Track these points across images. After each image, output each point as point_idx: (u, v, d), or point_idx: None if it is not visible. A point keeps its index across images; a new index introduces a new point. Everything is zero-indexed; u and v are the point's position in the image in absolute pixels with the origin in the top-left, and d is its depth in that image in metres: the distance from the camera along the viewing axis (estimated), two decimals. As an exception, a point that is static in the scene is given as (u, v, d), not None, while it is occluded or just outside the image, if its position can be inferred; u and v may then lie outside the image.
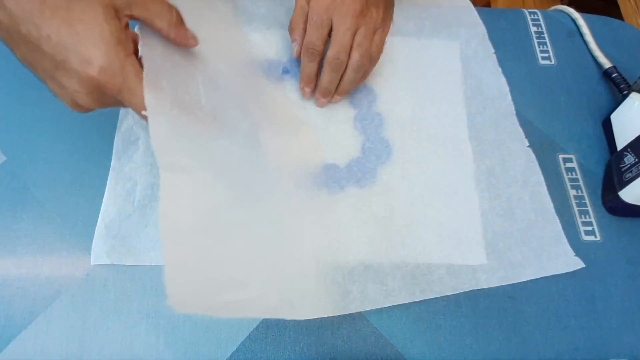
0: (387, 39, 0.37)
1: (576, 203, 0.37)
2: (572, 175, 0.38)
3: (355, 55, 0.35)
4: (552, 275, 0.34)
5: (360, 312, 0.32)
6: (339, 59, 0.35)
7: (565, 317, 0.33)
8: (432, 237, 0.34)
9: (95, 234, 0.33)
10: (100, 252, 0.33)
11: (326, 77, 0.36)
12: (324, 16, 0.35)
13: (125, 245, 0.33)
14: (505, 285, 0.33)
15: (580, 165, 0.38)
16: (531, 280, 0.34)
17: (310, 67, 0.37)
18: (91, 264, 0.33)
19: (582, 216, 0.36)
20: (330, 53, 0.35)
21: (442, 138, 0.38)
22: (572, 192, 0.37)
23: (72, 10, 0.23)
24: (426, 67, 0.41)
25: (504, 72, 0.42)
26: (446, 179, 0.36)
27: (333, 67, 0.36)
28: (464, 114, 0.39)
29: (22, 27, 0.23)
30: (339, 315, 0.31)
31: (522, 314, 0.33)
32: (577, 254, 0.35)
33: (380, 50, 0.37)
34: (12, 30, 0.23)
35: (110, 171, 0.35)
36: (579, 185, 0.38)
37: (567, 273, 0.34)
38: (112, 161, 0.36)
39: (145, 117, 0.25)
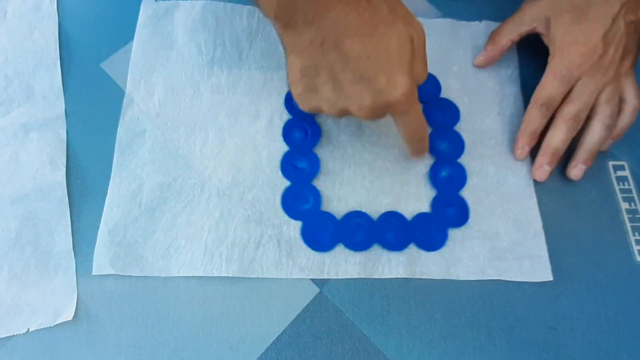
0: None
1: (629, 218, 0.37)
2: (624, 185, 0.38)
3: (606, 109, 0.37)
4: (600, 304, 0.34)
5: (376, 347, 0.32)
6: (580, 117, 0.37)
7: (616, 352, 0.33)
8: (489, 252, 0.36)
9: (98, 240, 0.34)
10: (103, 261, 0.34)
11: (560, 135, 0.37)
12: (575, 72, 0.37)
13: (131, 254, 0.34)
14: (545, 314, 0.34)
15: (634, 174, 0.39)
16: (576, 309, 0.34)
17: (540, 122, 0.38)
18: (93, 274, 0.34)
19: (636, 233, 0.37)
20: (570, 108, 0.37)
21: None
22: (624, 205, 0.38)
23: (386, 34, 0.29)
24: None
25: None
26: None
27: (570, 125, 0.37)
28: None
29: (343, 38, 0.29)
30: (354, 353, 0.32)
31: (565, 348, 0.33)
32: (630, 277, 0.35)
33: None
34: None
35: (113, 168, 0.37)
36: (633, 197, 0.38)
37: (618, 301, 0.34)
38: (115, 156, 0.37)
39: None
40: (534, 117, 0.38)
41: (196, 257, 0.34)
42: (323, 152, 0.38)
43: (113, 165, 0.37)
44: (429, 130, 0.34)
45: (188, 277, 0.34)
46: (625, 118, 0.38)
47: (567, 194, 0.38)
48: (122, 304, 0.33)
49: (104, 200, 0.36)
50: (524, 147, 0.38)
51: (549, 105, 0.37)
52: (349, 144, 0.39)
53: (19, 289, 0.33)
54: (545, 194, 0.38)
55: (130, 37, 0.42)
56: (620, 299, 0.35)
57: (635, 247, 0.37)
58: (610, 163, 0.39)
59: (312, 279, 0.34)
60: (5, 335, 0.32)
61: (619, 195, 0.38)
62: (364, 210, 0.36)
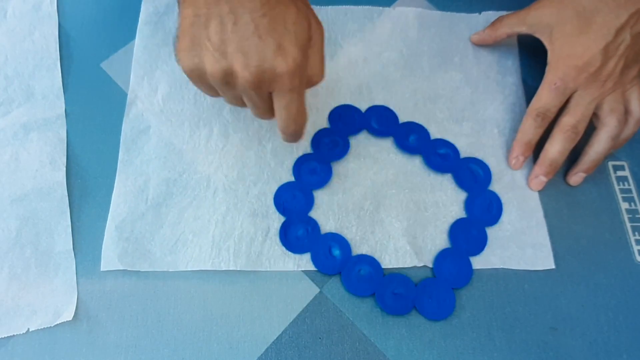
0: None
1: (629, 218, 0.37)
2: (624, 185, 0.39)
3: (612, 120, 0.36)
4: (600, 304, 0.34)
5: (376, 347, 0.33)
6: (577, 128, 0.37)
7: (616, 352, 0.33)
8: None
9: (105, 236, 0.35)
10: (111, 257, 0.34)
11: (558, 146, 0.37)
12: (570, 84, 0.36)
13: (139, 249, 0.35)
14: (545, 314, 0.34)
15: (634, 174, 0.39)
16: (576, 309, 0.34)
17: (535, 133, 0.38)
18: (101, 269, 0.34)
19: (636, 233, 0.37)
20: (567, 120, 0.37)
21: None
22: (624, 205, 0.38)
23: (286, 6, 0.29)
24: None
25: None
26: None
27: (568, 136, 0.37)
28: None
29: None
30: (354, 353, 0.32)
31: (565, 348, 0.33)
32: (630, 277, 0.35)
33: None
34: None
35: (119, 164, 0.37)
36: (633, 197, 0.38)
37: (618, 301, 0.34)
38: (120, 153, 0.38)
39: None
40: (529, 128, 0.38)
41: (204, 251, 0.35)
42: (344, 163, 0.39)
43: (118, 162, 0.37)
44: (307, 119, 0.33)
45: (188, 277, 0.34)
46: (629, 129, 0.37)
47: (567, 194, 0.38)
48: (122, 304, 0.33)
49: (104, 200, 0.36)
50: (518, 157, 0.38)
51: (544, 116, 0.37)
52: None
53: (19, 289, 0.33)
54: (545, 194, 0.38)
55: (130, 37, 0.42)
56: (620, 299, 0.35)
57: (635, 247, 0.37)
58: (610, 163, 0.39)
59: (312, 280, 0.35)
60: (5, 335, 0.32)
61: (619, 195, 0.38)
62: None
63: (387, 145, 0.39)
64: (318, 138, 0.39)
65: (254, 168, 0.37)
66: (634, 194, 0.38)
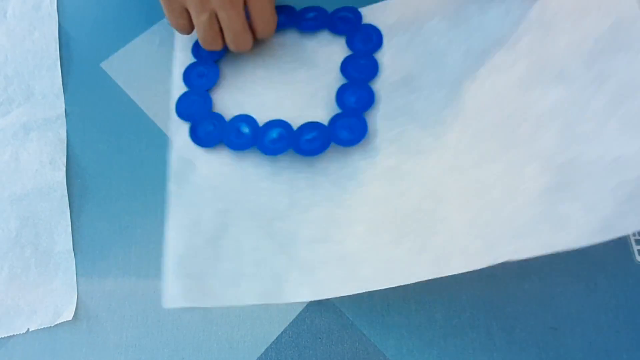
0: None
1: (629, 218, 0.37)
2: (623, 185, 0.38)
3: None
4: (600, 304, 0.34)
5: (376, 347, 0.33)
6: None
7: (616, 352, 0.33)
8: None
9: (165, 274, 0.32)
10: (175, 295, 0.32)
11: None
12: None
13: (200, 285, 0.32)
14: (545, 314, 0.34)
15: (634, 174, 0.39)
16: (576, 309, 0.34)
17: None
18: (165, 307, 0.31)
19: (636, 233, 0.37)
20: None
21: None
22: (624, 205, 0.38)
23: None
24: None
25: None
26: None
27: None
28: None
29: None
30: (354, 353, 0.32)
31: (565, 348, 0.33)
32: (630, 277, 0.35)
33: None
34: None
35: (170, 197, 0.35)
36: (632, 197, 0.38)
37: (618, 301, 0.35)
38: (170, 185, 0.35)
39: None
40: None
41: (266, 283, 0.32)
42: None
43: (169, 194, 0.35)
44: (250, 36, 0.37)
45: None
46: None
47: (567, 194, 0.38)
48: (122, 304, 0.33)
49: (104, 200, 0.36)
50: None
51: None
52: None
53: (19, 289, 0.33)
54: (545, 194, 0.38)
55: (130, 36, 0.42)
56: (620, 299, 0.35)
57: (635, 247, 0.37)
58: (610, 163, 0.40)
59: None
60: (5, 335, 0.32)
61: (619, 195, 0.38)
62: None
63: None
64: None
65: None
66: (634, 194, 0.38)
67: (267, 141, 0.36)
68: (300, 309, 0.34)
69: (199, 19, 0.35)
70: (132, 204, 0.36)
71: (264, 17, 0.37)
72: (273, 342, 0.33)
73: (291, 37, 0.41)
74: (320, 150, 0.35)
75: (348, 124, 0.36)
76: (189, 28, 0.37)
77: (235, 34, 0.36)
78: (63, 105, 0.39)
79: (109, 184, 0.37)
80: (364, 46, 0.40)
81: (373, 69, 0.39)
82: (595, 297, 0.35)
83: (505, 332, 0.34)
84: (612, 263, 0.36)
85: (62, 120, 0.39)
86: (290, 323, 0.33)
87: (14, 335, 0.32)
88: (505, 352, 0.33)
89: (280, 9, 0.41)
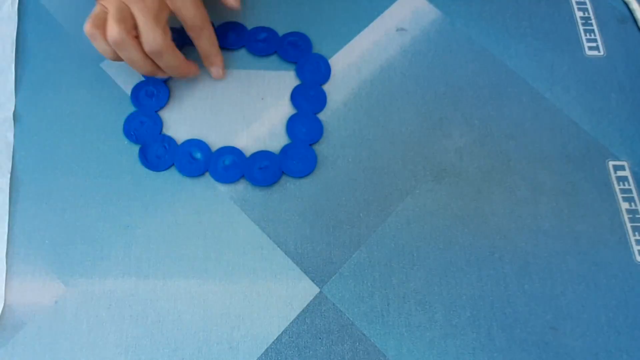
0: None
1: (629, 218, 0.38)
2: (624, 185, 0.39)
3: None
4: (600, 304, 0.35)
5: (376, 347, 0.33)
6: None
7: (616, 352, 0.34)
8: None
9: None
10: None
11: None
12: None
13: None
14: (545, 314, 0.34)
15: (634, 174, 0.39)
16: (576, 309, 0.34)
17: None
18: None
19: (636, 233, 0.37)
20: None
21: None
22: (624, 206, 0.38)
23: None
24: None
25: (544, 64, 0.43)
26: None
27: None
28: None
29: None
30: (354, 353, 0.32)
31: (565, 347, 0.34)
32: (630, 277, 0.35)
33: None
34: None
35: None
36: (633, 197, 0.38)
37: (618, 301, 0.35)
38: None
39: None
40: None
41: None
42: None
43: None
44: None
45: (188, 277, 0.34)
46: None
47: (567, 194, 0.38)
48: (122, 304, 0.33)
49: (104, 200, 0.36)
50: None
51: None
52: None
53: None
54: (545, 194, 0.38)
55: (130, 37, 0.42)
56: (620, 299, 0.35)
57: (635, 247, 0.37)
58: (610, 163, 0.40)
59: (312, 279, 0.35)
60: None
61: (619, 195, 0.38)
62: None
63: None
64: None
65: None
66: (634, 194, 0.38)
67: (220, 168, 0.37)
68: (300, 309, 0.34)
69: (108, 6, 0.34)
70: (132, 204, 0.37)
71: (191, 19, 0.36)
72: (273, 342, 0.33)
73: (242, 59, 0.42)
74: (272, 180, 0.37)
75: (298, 155, 0.38)
76: (93, 25, 0.35)
77: (145, 28, 0.34)
78: (12, 108, 0.39)
79: (108, 184, 0.37)
80: (313, 77, 0.41)
81: (322, 100, 0.40)
82: (595, 297, 0.35)
83: (505, 332, 0.34)
84: (613, 263, 0.36)
85: (10, 124, 0.38)
86: (290, 323, 0.33)
87: (14, 335, 0.32)
88: (505, 352, 0.33)
89: (231, 26, 0.42)
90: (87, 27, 0.35)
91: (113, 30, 0.33)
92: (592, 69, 0.43)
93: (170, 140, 0.38)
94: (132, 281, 0.34)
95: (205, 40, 0.38)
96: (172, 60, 0.36)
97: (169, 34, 0.35)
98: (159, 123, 0.39)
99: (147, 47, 0.35)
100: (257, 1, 0.44)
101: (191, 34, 0.37)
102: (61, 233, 0.35)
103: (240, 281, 0.34)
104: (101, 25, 0.35)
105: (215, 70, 0.40)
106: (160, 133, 0.38)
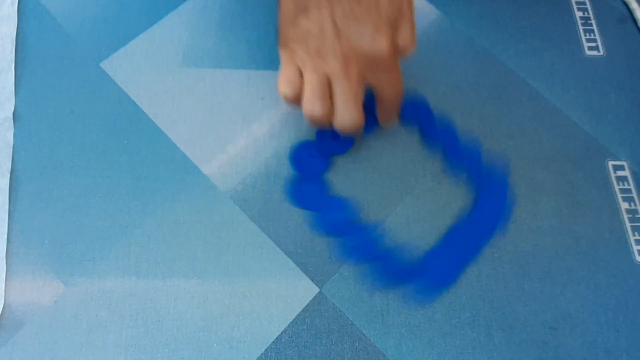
0: None
1: (629, 218, 0.38)
2: (624, 185, 0.39)
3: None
4: (600, 304, 0.35)
5: (376, 347, 0.33)
6: None
7: (615, 351, 0.34)
8: None
9: None
10: None
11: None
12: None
13: None
14: (545, 314, 0.34)
15: (634, 174, 0.39)
16: (575, 309, 0.34)
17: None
18: None
19: (636, 233, 0.37)
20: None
21: None
22: (624, 206, 0.38)
23: None
24: None
25: (544, 64, 0.43)
26: None
27: None
28: None
29: None
30: (354, 353, 0.32)
31: (564, 347, 0.34)
32: (630, 277, 0.35)
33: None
34: None
35: None
36: (633, 197, 0.38)
37: (618, 301, 0.35)
38: None
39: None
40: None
41: None
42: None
43: None
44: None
45: (188, 277, 0.34)
46: None
47: (567, 194, 0.38)
48: (122, 304, 0.34)
49: (104, 200, 0.36)
50: None
51: None
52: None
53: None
54: (545, 193, 0.38)
55: (130, 37, 0.42)
56: (620, 299, 0.35)
57: (635, 247, 0.37)
58: (610, 163, 0.40)
59: (312, 280, 0.35)
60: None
61: (619, 195, 0.38)
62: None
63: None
64: None
65: None
66: (634, 194, 0.38)
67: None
68: (300, 309, 0.34)
69: (311, 81, 0.33)
70: (132, 204, 0.37)
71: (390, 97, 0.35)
72: (273, 342, 0.33)
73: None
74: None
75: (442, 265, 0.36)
76: (294, 92, 0.34)
77: (344, 107, 0.33)
78: (12, 108, 0.39)
79: (108, 184, 0.37)
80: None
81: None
82: (595, 297, 0.35)
83: (505, 332, 0.34)
84: (612, 263, 0.36)
85: (10, 123, 0.38)
86: (290, 323, 0.33)
87: (13, 334, 0.32)
88: (505, 352, 0.33)
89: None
90: (285, 92, 0.34)
91: (315, 109, 0.33)
92: (591, 68, 0.43)
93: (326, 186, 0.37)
94: (132, 281, 0.34)
95: (393, 112, 0.38)
96: (356, 134, 0.37)
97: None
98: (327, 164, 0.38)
99: (339, 124, 0.34)
100: None
101: (384, 104, 0.37)
102: (61, 233, 0.35)
103: (240, 281, 0.34)
104: (297, 89, 0.34)
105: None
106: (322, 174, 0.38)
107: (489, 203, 0.37)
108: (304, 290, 0.34)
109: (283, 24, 0.34)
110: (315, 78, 0.33)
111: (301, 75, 0.34)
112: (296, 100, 0.35)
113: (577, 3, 0.46)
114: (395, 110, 0.37)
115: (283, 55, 0.35)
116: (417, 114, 0.40)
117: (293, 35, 0.33)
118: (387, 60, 0.32)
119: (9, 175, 0.37)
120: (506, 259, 0.36)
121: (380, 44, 0.31)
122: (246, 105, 0.40)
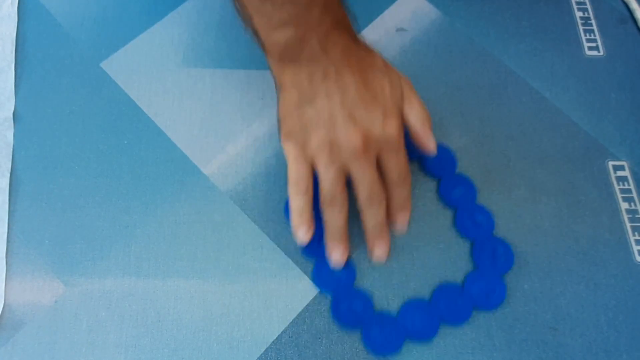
0: None
1: (629, 218, 0.38)
2: (624, 185, 0.39)
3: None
4: (600, 304, 0.35)
5: (376, 347, 0.33)
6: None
7: (615, 352, 0.34)
8: None
9: None
10: None
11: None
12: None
13: None
14: (545, 314, 0.34)
15: (634, 174, 0.39)
16: (575, 309, 0.34)
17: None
18: None
19: (636, 233, 0.37)
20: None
21: None
22: (624, 206, 0.38)
23: (380, 76, 0.34)
24: None
25: (544, 64, 0.43)
26: None
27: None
28: None
29: None
30: (354, 353, 0.33)
31: (565, 347, 0.34)
32: (630, 277, 0.35)
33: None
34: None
35: None
36: (633, 197, 0.38)
37: (618, 301, 0.35)
38: None
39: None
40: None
41: None
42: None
43: None
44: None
45: (188, 277, 0.34)
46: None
47: (567, 194, 0.38)
48: (122, 304, 0.34)
49: (104, 200, 0.36)
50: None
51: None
52: None
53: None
54: (545, 193, 0.38)
55: (130, 37, 0.42)
56: (620, 299, 0.35)
57: (635, 247, 0.37)
58: (610, 163, 0.40)
59: (311, 279, 0.35)
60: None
61: (619, 195, 0.38)
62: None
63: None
64: None
65: None
66: (634, 194, 0.38)
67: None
68: (300, 309, 0.34)
69: (328, 173, 0.32)
70: (132, 204, 0.37)
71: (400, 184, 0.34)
72: (273, 342, 0.33)
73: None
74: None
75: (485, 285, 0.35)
76: (305, 196, 0.33)
77: (369, 190, 0.32)
78: (12, 108, 0.39)
79: (108, 184, 0.37)
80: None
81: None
82: (595, 297, 0.35)
83: (504, 331, 0.34)
84: (612, 263, 0.36)
85: (10, 123, 0.38)
86: (290, 323, 0.33)
87: (13, 334, 0.32)
88: (505, 352, 0.33)
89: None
90: (298, 202, 0.33)
91: (336, 206, 0.32)
92: (592, 68, 0.43)
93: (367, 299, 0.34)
94: (132, 281, 0.34)
95: (405, 191, 0.34)
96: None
97: None
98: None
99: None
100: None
101: (392, 186, 0.34)
102: (61, 233, 0.35)
103: (240, 281, 0.34)
104: (309, 186, 0.33)
105: (402, 222, 0.35)
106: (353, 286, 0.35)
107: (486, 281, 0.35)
108: (304, 290, 0.34)
109: (286, 115, 0.33)
110: (332, 172, 0.32)
111: (312, 170, 0.33)
112: (309, 196, 0.33)
113: (577, 3, 0.46)
114: (406, 193, 0.35)
115: (289, 150, 0.33)
116: (440, 167, 0.39)
117: (298, 126, 0.32)
118: (396, 142, 0.32)
119: (9, 175, 0.37)
120: (506, 259, 0.36)
121: (391, 127, 0.32)
122: (246, 105, 0.40)
